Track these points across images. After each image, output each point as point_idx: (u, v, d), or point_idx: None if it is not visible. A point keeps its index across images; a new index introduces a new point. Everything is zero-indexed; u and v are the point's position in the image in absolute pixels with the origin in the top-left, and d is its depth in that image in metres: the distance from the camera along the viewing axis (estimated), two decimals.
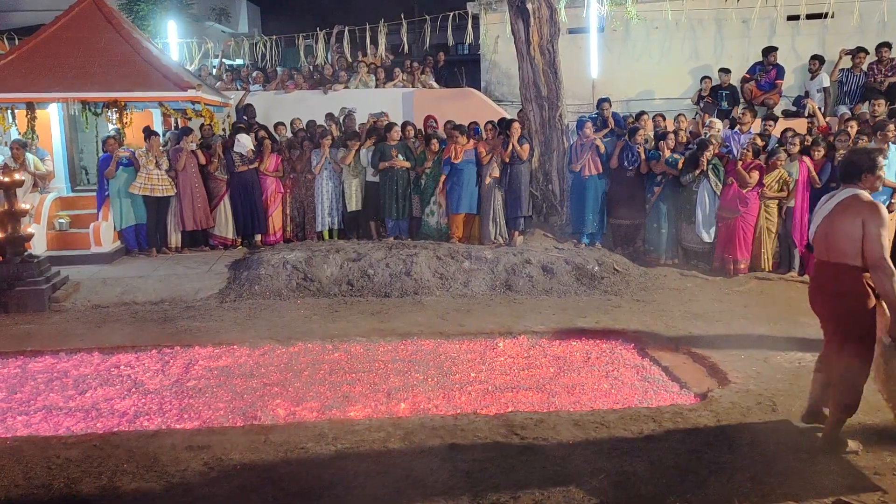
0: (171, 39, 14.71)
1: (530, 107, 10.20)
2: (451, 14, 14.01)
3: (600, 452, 4.23)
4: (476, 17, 13.87)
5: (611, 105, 10.71)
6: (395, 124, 10.28)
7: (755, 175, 8.67)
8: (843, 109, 10.90)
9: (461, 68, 15.37)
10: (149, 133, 10.04)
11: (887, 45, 11.21)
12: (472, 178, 9.75)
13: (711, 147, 9.01)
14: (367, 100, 12.29)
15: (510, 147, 9.50)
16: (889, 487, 3.77)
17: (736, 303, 7.82)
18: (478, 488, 3.84)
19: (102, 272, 9.09)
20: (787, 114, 11.48)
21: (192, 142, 10.16)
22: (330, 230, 10.54)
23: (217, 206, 10.38)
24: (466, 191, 9.74)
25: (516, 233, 9.72)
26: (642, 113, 10.54)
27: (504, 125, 9.83)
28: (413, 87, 13.06)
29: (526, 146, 9.61)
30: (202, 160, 10.20)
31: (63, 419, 5.13)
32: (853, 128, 9.02)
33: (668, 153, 9.31)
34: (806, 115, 10.82)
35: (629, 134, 9.69)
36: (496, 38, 13.76)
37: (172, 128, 11.19)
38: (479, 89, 13.75)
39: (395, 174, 10.01)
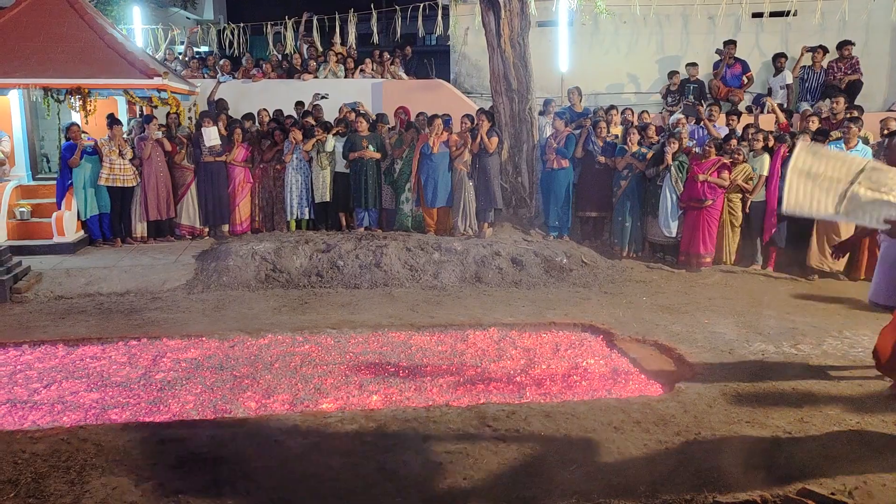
0: (135, 25, 14.41)
1: (500, 99, 10.23)
2: (422, 5, 13.96)
3: (571, 444, 4.29)
4: (446, 8, 13.83)
5: (580, 94, 10.83)
6: (363, 116, 10.21)
7: (726, 175, 8.83)
8: (805, 106, 11.14)
9: (430, 59, 15.33)
10: (112, 121, 9.85)
11: (849, 42, 11.47)
12: (446, 170, 9.76)
13: (676, 142, 9.15)
14: (337, 90, 12.21)
15: (478, 139, 9.54)
16: (849, 478, 3.90)
17: (701, 295, 7.98)
18: (450, 480, 3.87)
19: (66, 262, 8.91)
20: (748, 110, 11.69)
21: (156, 129, 9.97)
22: (299, 221, 10.47)
23: (184, 196, 10.24)
24: (442, 184, 9.75)
25: (486, 225, 9.77)
26: (612, 107, 10.66)
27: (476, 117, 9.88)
28: (382, 77, 13.00)
29: (494, 139, 9.64)
30: (168, 147, 10.04)
31: (28, 413, 5.03)
32: (814, 123, 9.23)
33: (634, 147, 9.46)
34: (765, 112, 11.04)
35: (593, 125, 9.86)
36: (466, 29, 13.76)
37: (137, 116, 10.98)
38: (448, 81, 13.74)
39: (366, 165, 9.96)
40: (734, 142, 9.16)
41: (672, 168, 9.07)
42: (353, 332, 6.74)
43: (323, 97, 11.56)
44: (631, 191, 9.52)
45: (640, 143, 9.53)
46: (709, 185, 8.82)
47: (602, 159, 9.69)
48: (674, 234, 9.26)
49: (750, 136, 9.14)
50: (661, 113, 11.70)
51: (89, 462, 4.05)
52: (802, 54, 11.93)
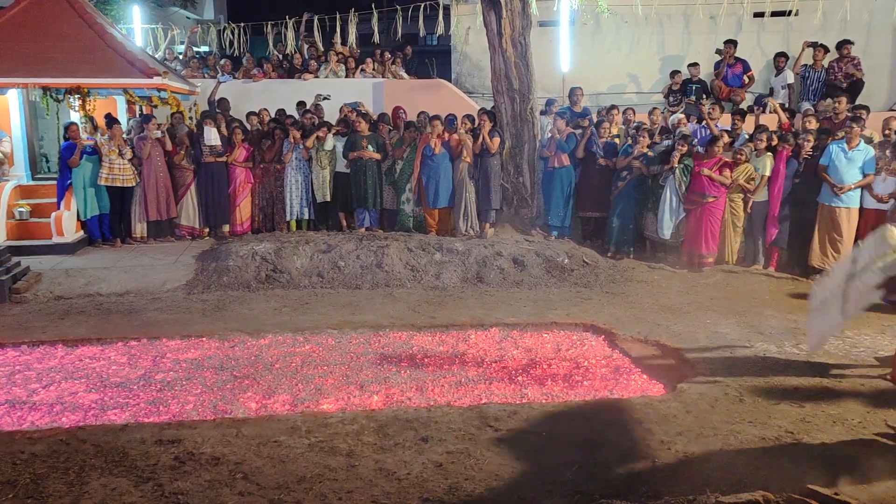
0: (135, 25, 14.38)
1: (501, 99, 10.19)
2: (423, 4, 13.93)
3: (573, 443, 4.27)
4: (447, 8, 13.80)
5: (583, 94, 10.81)
6: (364, 117, 10.17)
7: (727, 172, 8.82)
8: (807, 105, 11.11)
9: (431, 59, 15.30)
10: (111, 121, 9.82)
11: (849, 42, 11.44)
12: (448, 171, 9.74)
13: (686, 145, 9.11)
14: (337, 90, 12.18)
15: (480, 139, 9.52)
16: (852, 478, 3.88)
17: (703, 295, 7.95)
18: (451, 480, 3.85)
19: (65, 263, 8.88)
20: (750, 110, 11.66)
21: (155, 129, 9.94)
22: (299, 221, 10.45)
23: (184, 196, 10.21)
24: (443, 184, 9.72)
25: (487, 225, 9.75)
26: (613, 107, 10.64)
27: (478, 117, 9.86)
28: (383, 77, 12.98)
29: (496, 139, 9.63)
30: (168, 146, 10.02)
31: (27, 413, 5.01)
32: (811, 123, 9.20)
33: (644, 149, 9.39)
34: (767, 112, 11.00)
35: (596, 125, 9.82)
36: (467, 29, 13.73)
37: (137, 115, 10.95)
38: (449, 80, 13.71)
39: (366, 165, 9.93)
40: (724, 136, 9.15)
41: (676, 170, 9.05)
42: (355, 332, 6.71)
43: (325, 98, 11.52)
44: (627, 192, 9.49)
45: (648, 147, 9.48)
46: (712, 181, 8.80)
47: (603, 162, 9.66)
48: (667, 237, 9.24)
49: (755, 136, 9.11)
50: (662, 113, 11.66)
51: (88, 463, 4.04)
52: (803, 49, 11.88)
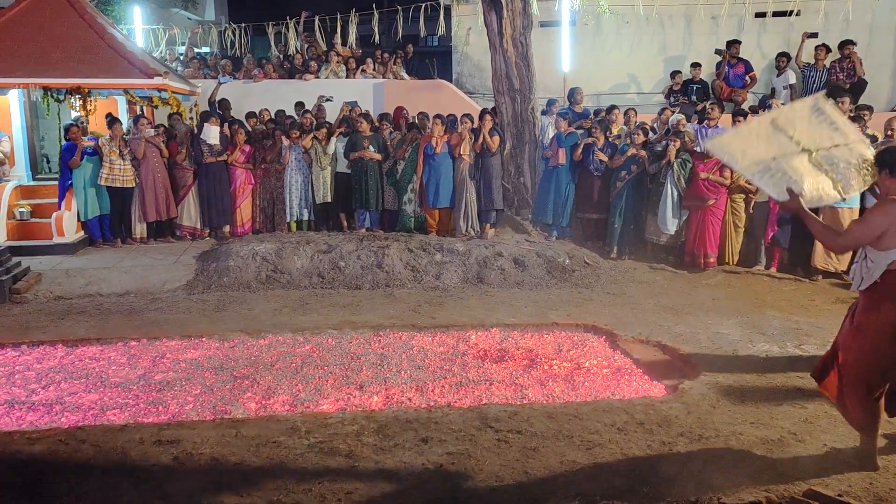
0: (136, 25, 14.39)
1: (502, 99, 10.19)
2: (423, 5, 13.94)
3: (574, 445, 4.25)
4: (448, 8, 13.81)
5: (584, 94, 10.79)
6: (364, 117, 10.16)
7: (727, 173, 8.79)
8: None
9: (432, 60, 15.31)
10: (112, 120, 9.81)
11: (850, 42, 11.42)
12: (448, 171, 9.71)
13: (679, 140, 9.09)
14: (338, 90, 12.17)
15: (481, 138, 9.50)
16: (856, 480, 3.85)
17: (705, 296, 7.93)
18: (452, 482, 3.83)
19: (65, 263, 8.87)
20: (752, 110, 11.62)
21: (147, 127, 9.89)
22: (300, 221, 10.43)
23: (185, 197, 10.19)
24: (444, 184, 9.70)
25: (488, 225, 9.72)
26: (613, 107, 10.61)
27: (479, 117, 9.83)
28: (384, 77, 12.97)
29: (496, 138, 9.60)
30: (165, 153, 10.00)
31: (26, 414, 4.99)
32: None
33: (635, 150, 9.34)
34: None
35: (589, 133, 9.73)
36: (468, 29, 13.72)
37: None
38: (450, 81, 13.70)
39: (367, 166, 9.92)
40: None
41: (675, 165, 9.02)
42: (355, 332, 6.69)
43: (328, 100, 11.52)
44: (626, 192, 9.44)
45: (646, 146, 9.43)
46: (711, 184, 8.78)
47: (602, 157, 9.55)
48: (671, 232, 9.20)
49: None
50: (659, 114, 11.64)
51: (87, 463, 4.01)
52: (803, 41, 11.85)
